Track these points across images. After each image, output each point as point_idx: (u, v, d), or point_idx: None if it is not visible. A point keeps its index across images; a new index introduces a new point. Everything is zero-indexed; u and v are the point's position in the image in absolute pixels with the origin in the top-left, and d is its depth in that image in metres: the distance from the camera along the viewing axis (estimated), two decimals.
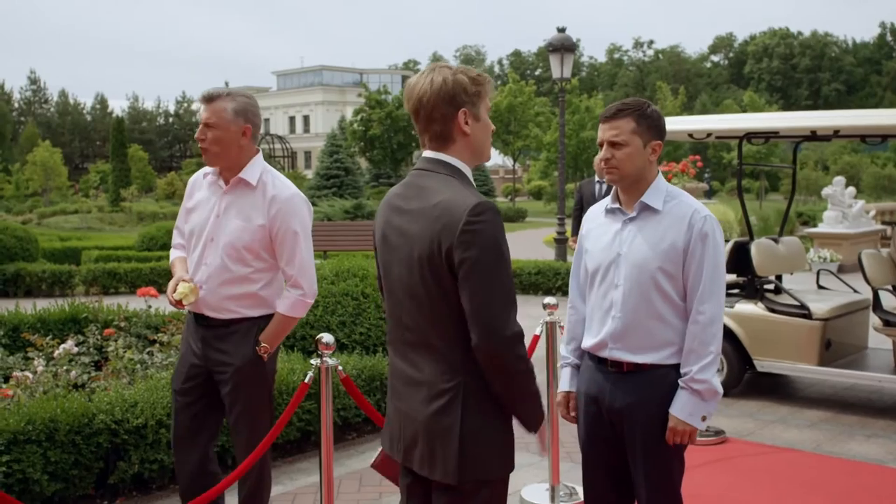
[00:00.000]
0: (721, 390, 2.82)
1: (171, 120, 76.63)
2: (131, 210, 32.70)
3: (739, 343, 6.47)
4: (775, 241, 6.90)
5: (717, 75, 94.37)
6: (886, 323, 6.28)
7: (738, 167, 7.28)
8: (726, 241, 6.74)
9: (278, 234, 3.39)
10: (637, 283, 2.81)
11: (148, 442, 4.48)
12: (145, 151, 52.80)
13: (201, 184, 3.57)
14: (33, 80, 74.23)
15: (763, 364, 6.44)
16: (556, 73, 14.67)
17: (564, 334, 3.17)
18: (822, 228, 15.26)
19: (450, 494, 2.30)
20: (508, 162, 46.31)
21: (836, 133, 6.19)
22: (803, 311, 6.26)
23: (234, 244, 3.39)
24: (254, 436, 3.44)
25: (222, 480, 3.38)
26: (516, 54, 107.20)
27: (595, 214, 3.05)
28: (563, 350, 3.12)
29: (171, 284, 3.47)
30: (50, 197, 39.61)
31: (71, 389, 4.95)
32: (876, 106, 70.33)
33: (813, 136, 6.39)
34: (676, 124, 6.84)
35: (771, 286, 6.74)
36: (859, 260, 6.51)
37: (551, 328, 4.60)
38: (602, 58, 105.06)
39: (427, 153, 2.40)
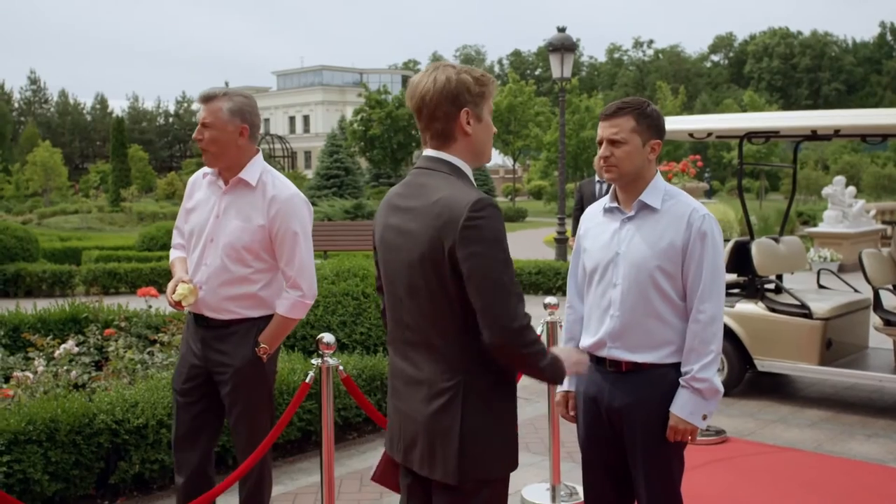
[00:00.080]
0: (722, 389, 2.83)
1: (171, 120, 76.60)
2: (131, 210, 32.67)
3: (740, 342, 6.47)
4: (776, 240, 6.90)
5: (717, 75, 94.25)
6: (887, 322, 6.28)
7: (738, 167, 7.27)
8: (726, 240, 6.76)
9: (278, 235, 3.38)
10: (635, 282, 2.81)
11: (149, 442, 4.47)
12: (145, 151, 52.84)
13: (201, 184, 3.56)
14: (33, 80, 74.25)
15: (764, 364, 6.44)
16: (556, 73, 14.69)
17: (562, 334, 3.17)
18: (822, 228, 15.26)
19: (450, 494, 2.30)
20: (508, 162, 46.30)
21: (837, 132, 6.18)
22: (804, 311, 6.26)
23: (234, 244, 3.37)
24: (254, 436, 3.44)
25: (223, 481, 3.38)
26: (516, 54, 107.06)
27: (593, 213, 3.05)
28: None
29: (170, 285, 3.46)
30: (50, 197, 39.58)
31: (71, 389, 4.95)
32: (876, 105, 70.32)
33: (813, 135, 6.39)
34: (677, 124, 6.83)
35: (771, 286, 6.74)
36: (860, 259, 6.51)
37: (552, 328, 4.61)
38: (602, 57, 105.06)
39: (428, 152, 2.39)
